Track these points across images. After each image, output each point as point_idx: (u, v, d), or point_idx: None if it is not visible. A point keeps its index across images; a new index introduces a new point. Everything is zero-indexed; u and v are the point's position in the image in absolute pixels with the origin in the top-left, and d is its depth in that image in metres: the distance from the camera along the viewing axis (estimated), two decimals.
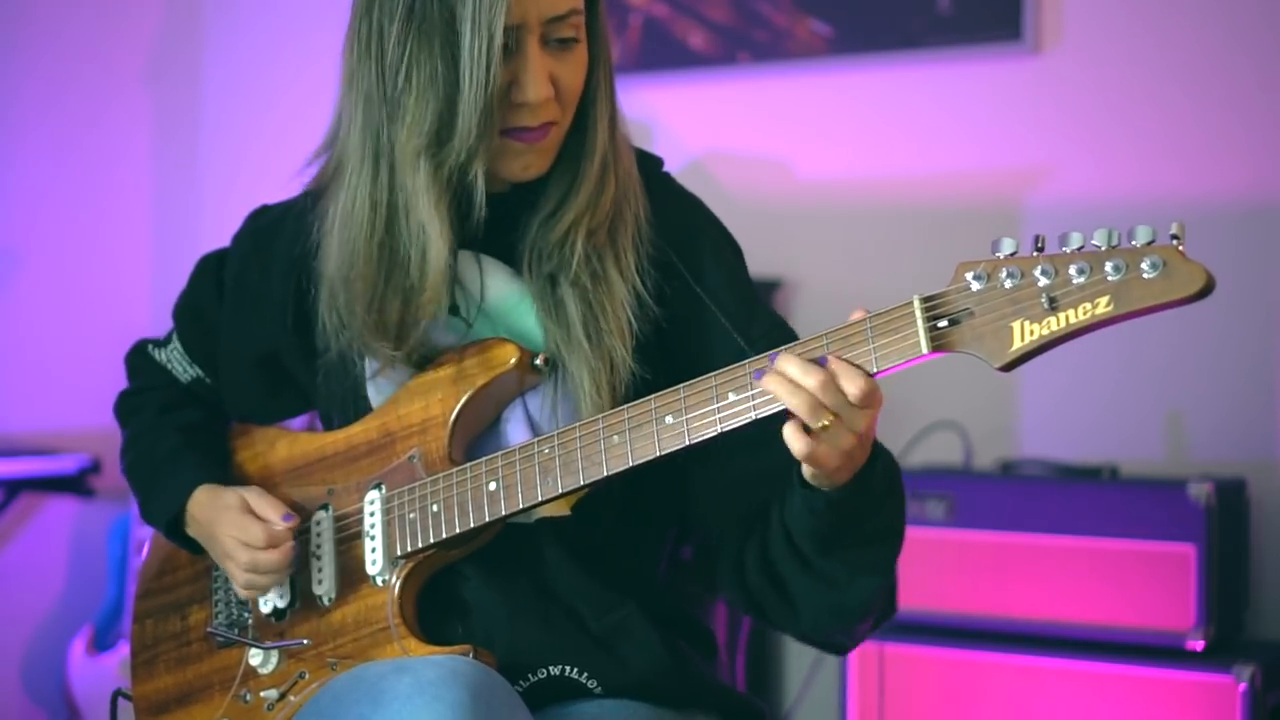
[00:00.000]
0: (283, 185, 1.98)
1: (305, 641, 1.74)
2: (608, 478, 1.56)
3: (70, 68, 3.91)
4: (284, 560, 1.73)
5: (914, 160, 3.42)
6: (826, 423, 1.43)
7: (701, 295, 1.69)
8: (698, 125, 3.59)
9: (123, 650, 3.57)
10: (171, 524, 1.84)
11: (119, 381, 2.02)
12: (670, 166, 1.79)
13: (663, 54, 3.60)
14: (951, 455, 3.22)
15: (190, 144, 4.17)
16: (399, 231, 1.64)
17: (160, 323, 2.11)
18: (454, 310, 1.69)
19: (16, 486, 3.61)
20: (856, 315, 1.47)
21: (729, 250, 1.76)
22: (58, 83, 3.88)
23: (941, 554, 2.92)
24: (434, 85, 1.57)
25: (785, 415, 1.46)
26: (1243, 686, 2.64)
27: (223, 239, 2.01)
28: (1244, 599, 2.91)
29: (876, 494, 1.54)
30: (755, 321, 1.69)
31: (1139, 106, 3.21)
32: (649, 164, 1.76)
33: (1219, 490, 2.76)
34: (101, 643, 3.63)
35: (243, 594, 1.77)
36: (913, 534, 2.89)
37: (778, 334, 1.69)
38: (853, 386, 1.43)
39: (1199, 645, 2.72)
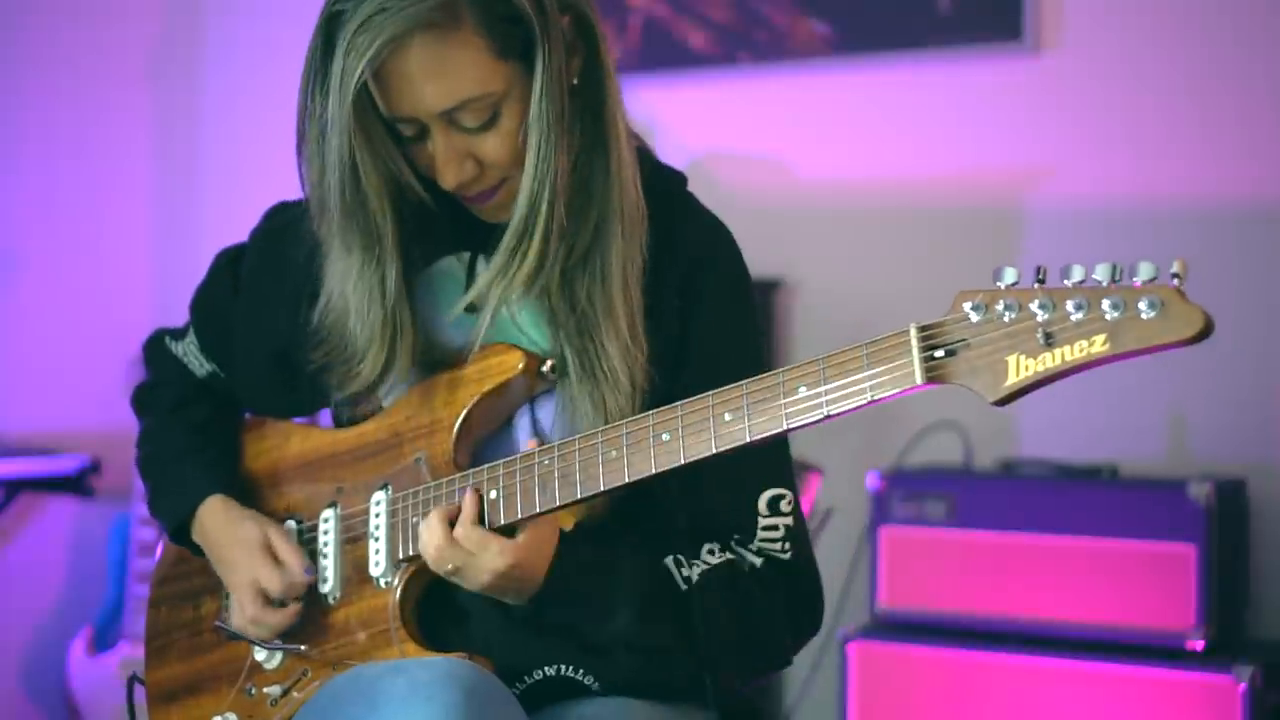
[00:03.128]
0: (282, 185, 1.98)
1: (303, 648, 1.75)
2: (604, 493, 1.57)
3: (70, 68, 3.91)
4: (286, 623, 1.75)
5: (914, 160, 3.42)
6: (450, 566, 1.60)
7: (689, 336, 1.69)
8: (698, 125, 3.59)
9: (123, 650, 3.57)
10: (178, 529, 1.85)
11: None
12: (639, 180, 1.77)
13: (663, 54, 3.60)
14: (951, 455, 3.22)
15: (190, 144, 4.17)
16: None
17: (160, 322, 2.11)
18: (470, 309, 1.70)
19: (16, 486, 3.61)
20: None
21: (730, 289, 1.74)
22: (58, 83, 3.88)
23: (941, 554, 2.92)
24: (315, 188, 1.65)
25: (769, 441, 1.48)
26: (1243, 686, 2.64)
27: (222, 239, 2.00)
28: (1244, 599, 2.91)
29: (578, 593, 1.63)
30: (724, 369, 1.63)
31: (1139, 107, 3.21)
32: (671, 183, 1.76)
33: (1219, 490, 2.76)
34: (101, 643, 3.63)
35: (240, 632, 1.79)
36: (913, 534, 2.93)
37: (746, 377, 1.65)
38: (493, 561, 1.58)
39: (1199, 645, 2.72)
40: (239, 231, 1.97)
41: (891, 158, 3.45)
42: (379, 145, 1.60)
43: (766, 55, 3.53)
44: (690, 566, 1.65)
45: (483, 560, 1.58)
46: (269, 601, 1.75)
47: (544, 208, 1.61)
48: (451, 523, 1.61)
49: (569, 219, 1.63)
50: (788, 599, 1.70)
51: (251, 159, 4.04)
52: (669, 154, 1.81)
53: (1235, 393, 3.09)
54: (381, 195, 1.62)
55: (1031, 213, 3.28)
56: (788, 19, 3.50)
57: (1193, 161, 3.16)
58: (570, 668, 1.68)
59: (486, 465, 1.63)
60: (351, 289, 1.67)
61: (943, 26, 3.34)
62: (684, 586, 1.63)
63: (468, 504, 1.61)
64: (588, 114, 1.65)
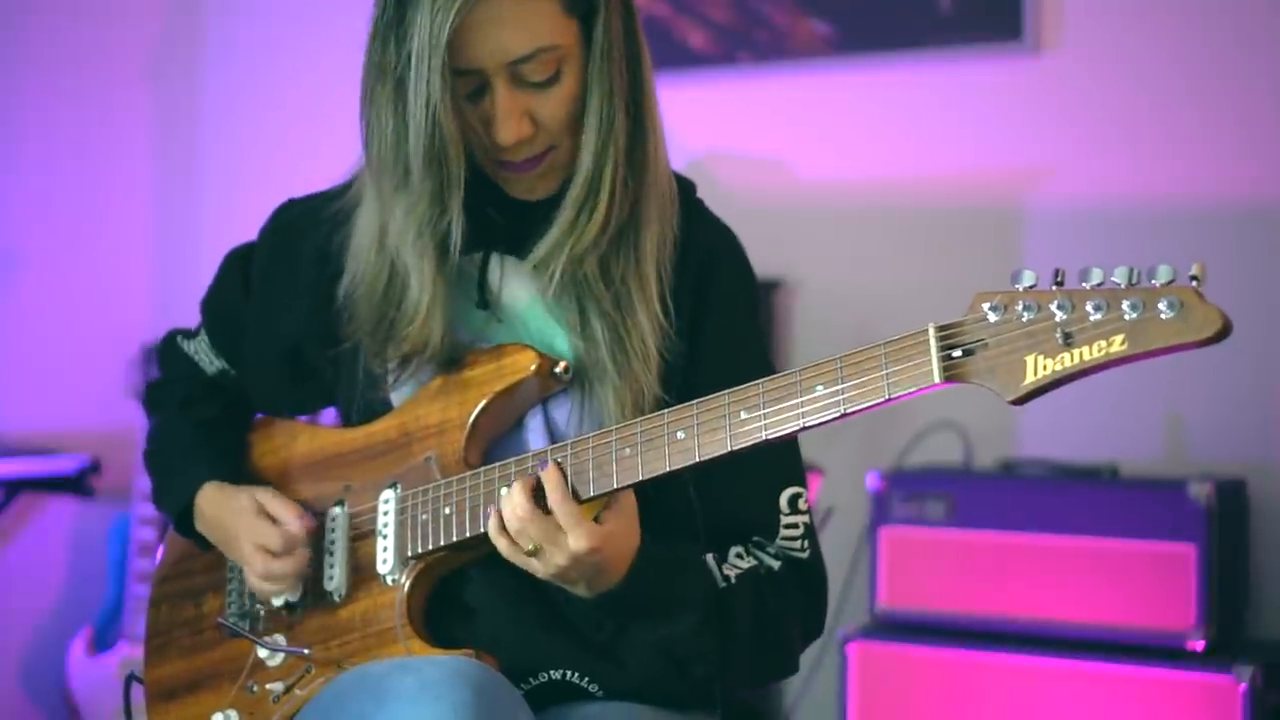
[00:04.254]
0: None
1: (306, 651, 1.75)
2: (616, 490, 1.56)
3: (70, 68, 3.91)
4: (296, 568, 1.75)
5: (914, 160, 3.42)
6: (530, 548, 1.53)
7: (699, 332, 1.70)
8: (698, 125, 3.58)
9: (122, 650, 3.58)
10: (181, 518, 1.86)
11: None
12: (671, 166, 1.79)
13: (663, 54, 3.59)
14: (951, 455, 3.22)
15: (190, 143, 4.17)
16: (396, 272, 1.69)
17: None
18: (484, 304, 1.71)
19: (16, 486, 3.61)
20: None
21: (740, 291, 1.76)
22: (58, 83, 3.88)
23: (941, 554, 2.92)
24: (387, 139, 1.62)
25: (784, 438, 1.48)
26: (1243, 686, 2.64)
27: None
28: (1244, 599, 2.91)
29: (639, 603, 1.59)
30: (733, 369, 1.66)
31: (1139, 107, 3.21)
32: (680, 189, 1.77)
33: (1219, 490, 2.76)
34: (101, 643, 3.63)
35: (260, 595, 1.79)
36: (913, 534, 2.93)
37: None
38: (578, 543, 1.51)
39: (1199, 645, 2.72)
40: (239, 231, 1.97)
41: (891, 158, 3.45)
42: (455, 94, 1.60)
43: (766, 55, 3.53)
44: (722, 567, 1.65)
45: (569, 540, 1.52)
46: (274, 556, 1.75)
47: (609, 163, 1.64)
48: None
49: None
50: (804, 603, 1.71)
51: (251, 159, 4.04)
52: (669, 154, 1.81)
53: (1235, 393, 3.09)
54: (459, 142, 1.61)
55: (1031, 213, 3.28)
56: (788, 19, 3.50)
57: (1192, 162, 3.16)
58: (574, 673, 1.68)
59: (498, 463, 1.64)
60: (409, 246, 1.66)
61: (943, 26, 3.35)
62: (722, 584, 1.63)
63: (554, 477, 1.55)
64: (630, 90, 1.67)
